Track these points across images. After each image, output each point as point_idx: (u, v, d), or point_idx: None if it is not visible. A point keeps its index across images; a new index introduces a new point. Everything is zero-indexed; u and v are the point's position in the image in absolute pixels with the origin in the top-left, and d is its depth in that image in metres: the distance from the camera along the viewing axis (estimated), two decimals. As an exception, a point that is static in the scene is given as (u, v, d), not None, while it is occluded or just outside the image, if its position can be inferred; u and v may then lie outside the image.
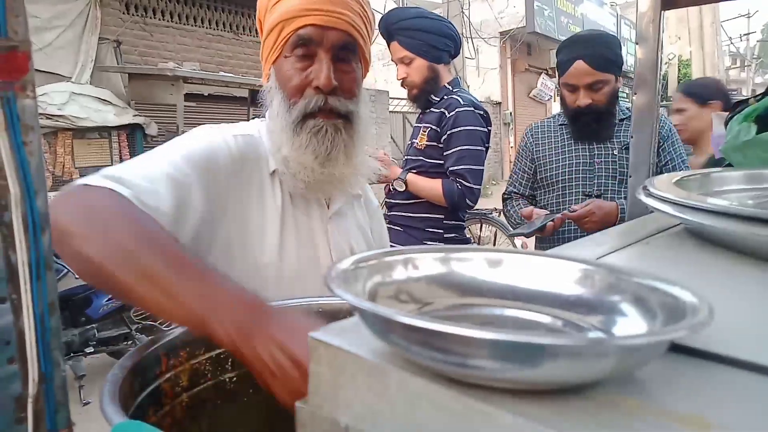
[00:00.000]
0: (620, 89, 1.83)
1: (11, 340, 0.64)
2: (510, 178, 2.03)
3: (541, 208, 1.83)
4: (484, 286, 0.33)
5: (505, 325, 0.30)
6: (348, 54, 0.90)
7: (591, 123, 1.75)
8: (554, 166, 1.83)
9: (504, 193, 2.03)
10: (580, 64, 1.70)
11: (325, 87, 0.87)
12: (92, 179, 0.69)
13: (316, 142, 0.88)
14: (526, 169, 1.93)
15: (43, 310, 0.63)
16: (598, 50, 1.72)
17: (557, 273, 0.32)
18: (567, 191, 1.81)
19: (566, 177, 1.80)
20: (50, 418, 0.57)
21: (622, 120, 1.82)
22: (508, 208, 1.98)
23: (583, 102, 1.72)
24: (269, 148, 0.93)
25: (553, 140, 1.87)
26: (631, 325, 0.25)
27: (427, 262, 0.34)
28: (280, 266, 0.88)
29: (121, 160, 5.31)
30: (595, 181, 1.78)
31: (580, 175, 1.79)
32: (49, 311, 0.66)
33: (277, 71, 0.91)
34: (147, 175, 0.73)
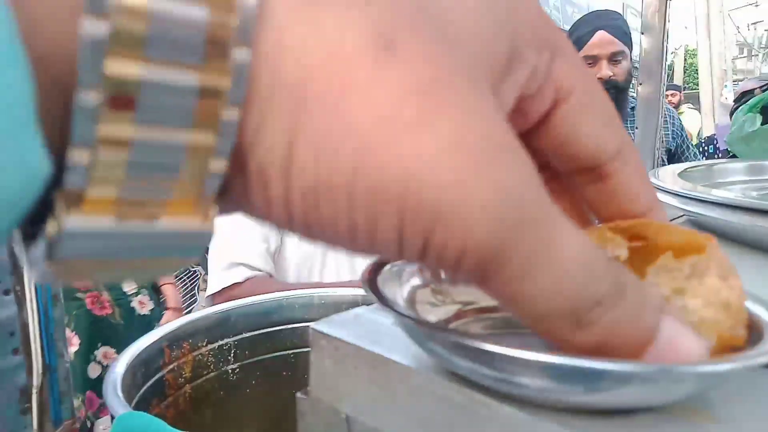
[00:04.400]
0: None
1: (15, 331, 0.65)
2: None
3: None
4: None
5: None
6: None
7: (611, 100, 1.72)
8: None
9: None
10: (602, 34, 1.69)
11: None
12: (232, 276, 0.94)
13: None
14: None
15: (46, 301, 0.63)
16: (617, 22, 1.74)
17: None
18: None
19: None
20: (55, 409, 0.57)
21: (632, 108, 1.80)
22: None
23: (605, 73, 1.67)
24: None
25: None
26: None
27: None
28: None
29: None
30: None
31: None
32: (53, 303, 0.66)
33: None
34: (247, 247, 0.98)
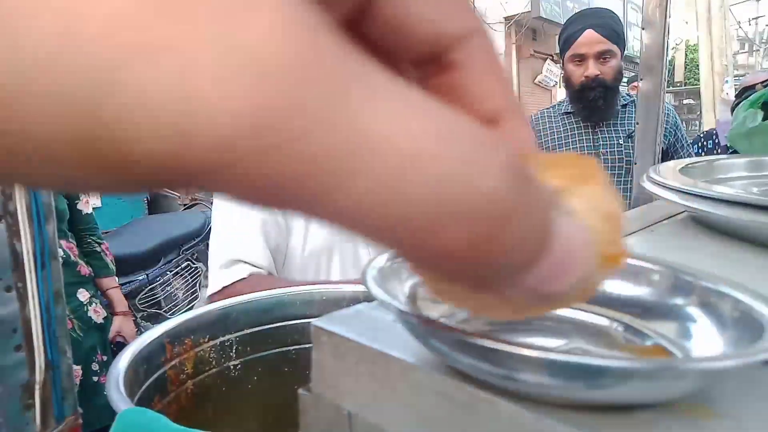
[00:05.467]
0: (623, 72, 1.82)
1: (17, 328, 0.65)
2: None
3: None
4: None
5: (562, 330, 0.28)
6: None
7: (598, 99, 1.73)
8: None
9: None
10: (590, 33, 1.71)
11: None
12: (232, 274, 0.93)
13: None
14: None
15: (48, 298, 0.63)
16: (607, 21, 1.75)
17: None
18: None
19: None
20: (57, 405, 0.58)
21: (624, 105, 1.81)
22: None
23: (591, 72, 1.70)
24: None
25: (555, 129, 1.85)
26: (701, 335, 0.24)
27: None
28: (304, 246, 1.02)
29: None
30: None
31: None
32: (55, 299, 0.66)
33: None
34: (246, 244, 0.96)
